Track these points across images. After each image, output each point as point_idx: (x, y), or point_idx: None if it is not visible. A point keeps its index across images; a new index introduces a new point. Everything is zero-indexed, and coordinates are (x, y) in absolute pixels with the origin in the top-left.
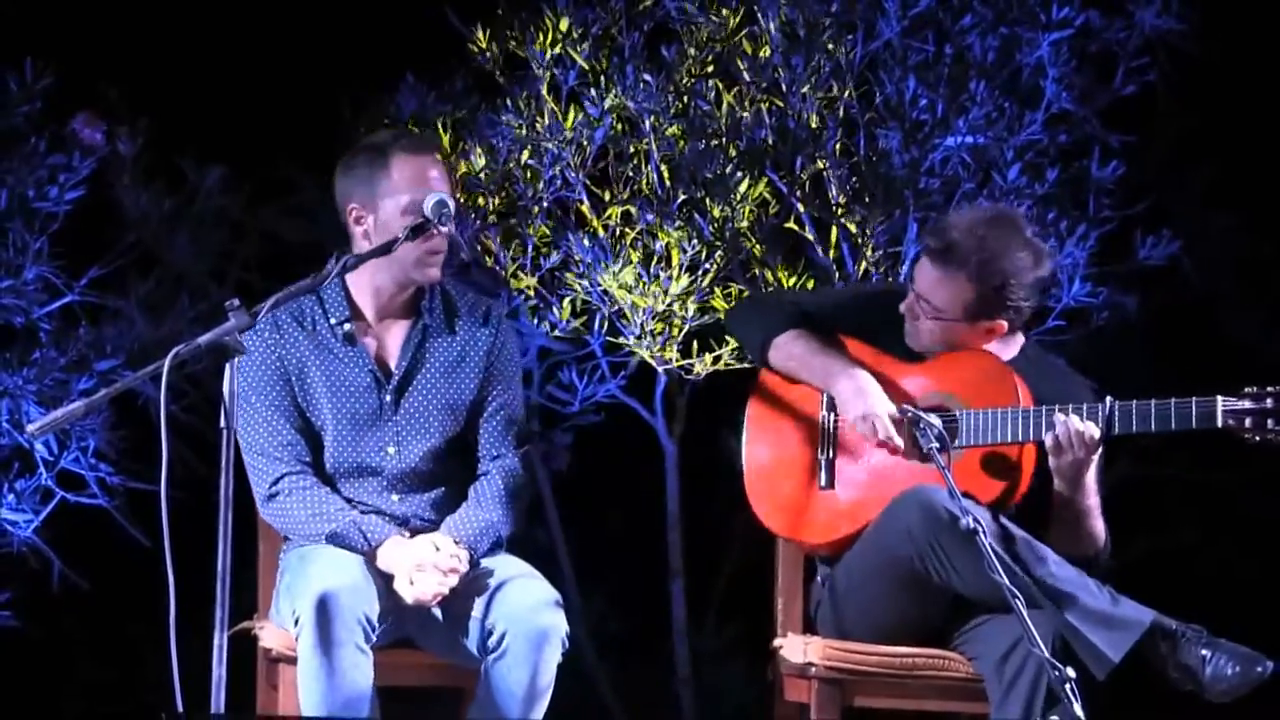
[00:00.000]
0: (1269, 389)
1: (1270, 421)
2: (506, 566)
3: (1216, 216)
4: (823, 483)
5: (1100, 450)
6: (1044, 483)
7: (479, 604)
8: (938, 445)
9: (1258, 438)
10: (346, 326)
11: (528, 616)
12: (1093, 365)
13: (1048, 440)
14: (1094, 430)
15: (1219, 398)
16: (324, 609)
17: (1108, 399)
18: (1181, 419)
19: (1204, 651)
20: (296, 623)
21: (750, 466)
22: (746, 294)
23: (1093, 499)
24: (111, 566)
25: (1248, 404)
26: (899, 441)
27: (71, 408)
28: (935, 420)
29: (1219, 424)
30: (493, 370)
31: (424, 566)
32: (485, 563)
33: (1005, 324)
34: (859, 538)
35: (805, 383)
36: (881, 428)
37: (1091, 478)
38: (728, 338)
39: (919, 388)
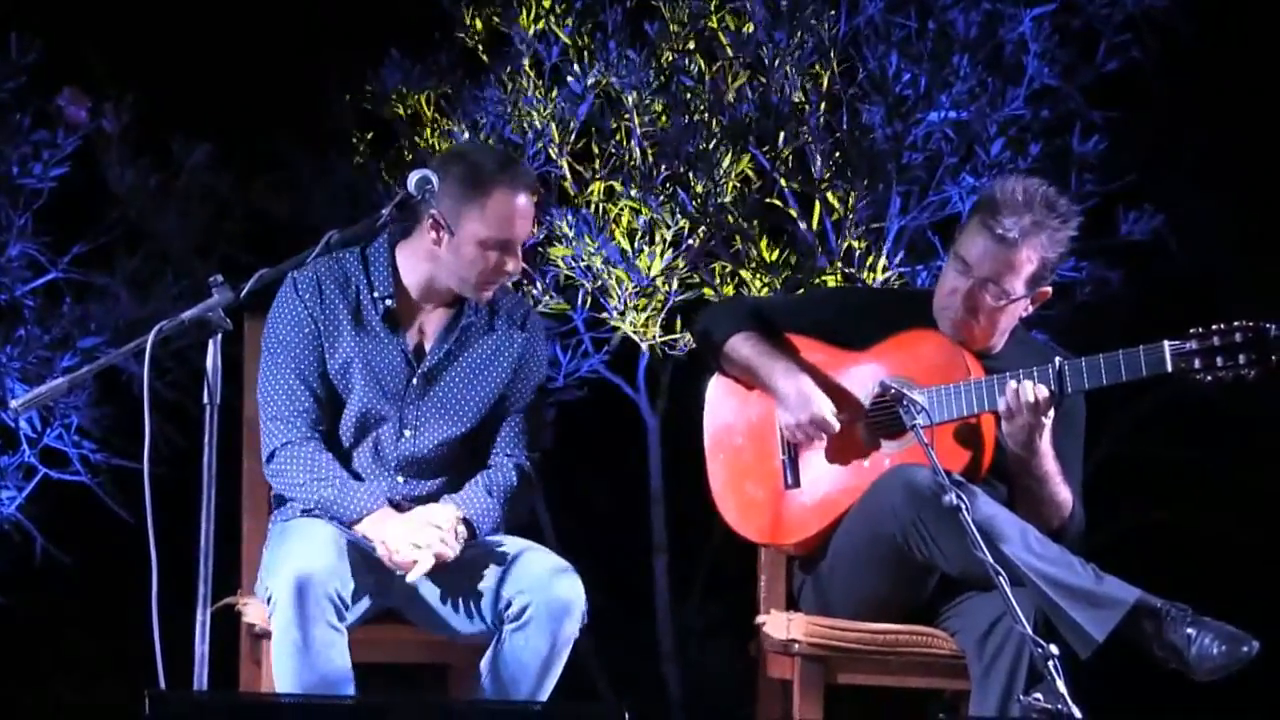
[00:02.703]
0: (1214, 327)
1: (1219, 359)
2: (515, 542)
3: (1201, 192)
4: (788, 482)
5: (1052, 413)
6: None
7: (493, 575)
8: (923, 422)
9: (1209, 377)
10: (389, 303)
11: (550, 587)
12: (1075, 340)
13: (1000, 406)
14: (1043, 391)
15: (1166, 341)
16: (297, 589)
17: (1056, 358)
18: (1131, 367)
19: (1189, 630)
20: (269, 601)
21: (715, 475)
22: (708, 300)
23: (1050, 465)
24: (95, 543)
25: (1194, 344)
26: (836, 426)
27: (55, 384)
28: (919, 397)
29: (1169, 368)
30: (521, 372)
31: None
32: (491, 539)
33: (1050, 289)
34: (837, 525)
35: (755, 385)
36: (828, 428)
37: (1046, 442)
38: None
39: (873, 374)
